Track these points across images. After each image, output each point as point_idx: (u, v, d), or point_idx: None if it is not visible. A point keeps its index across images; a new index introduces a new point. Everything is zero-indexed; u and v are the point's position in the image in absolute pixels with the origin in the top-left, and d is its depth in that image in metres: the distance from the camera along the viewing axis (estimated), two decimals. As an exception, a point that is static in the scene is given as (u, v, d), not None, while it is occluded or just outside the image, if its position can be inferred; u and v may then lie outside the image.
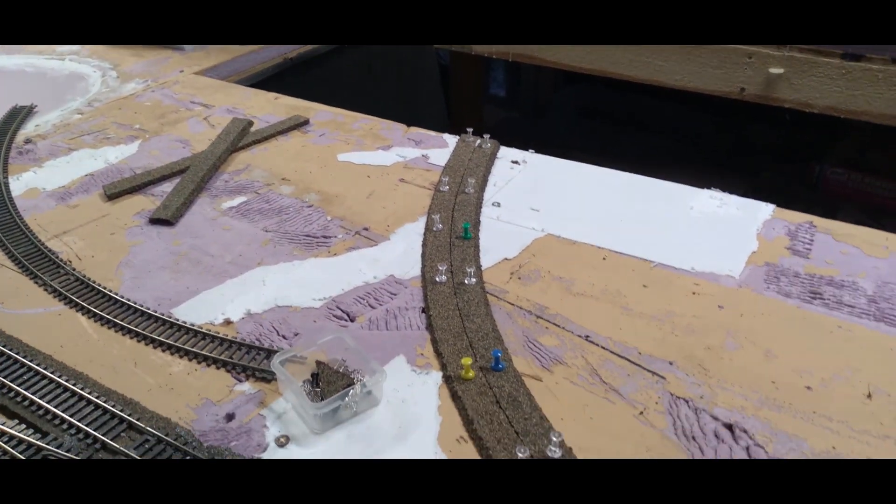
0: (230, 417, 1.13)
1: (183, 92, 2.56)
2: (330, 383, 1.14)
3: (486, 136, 2.00)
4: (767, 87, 2.42)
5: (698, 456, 1.05)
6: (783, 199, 1.71)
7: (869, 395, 1.15)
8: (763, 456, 1.04)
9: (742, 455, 1.05)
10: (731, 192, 1.75)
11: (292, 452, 1.07)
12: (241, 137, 2.10)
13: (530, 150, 1.99)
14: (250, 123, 2.19)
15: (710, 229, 1.61)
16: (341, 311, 1.38)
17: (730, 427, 1.10)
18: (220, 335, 1.30)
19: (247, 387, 1.20)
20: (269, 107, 2.39)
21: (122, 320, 1.35)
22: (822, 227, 1.60)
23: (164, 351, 1.29)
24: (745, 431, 1.09)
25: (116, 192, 1.82)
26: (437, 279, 1.43)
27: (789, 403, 1.14)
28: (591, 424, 1.11)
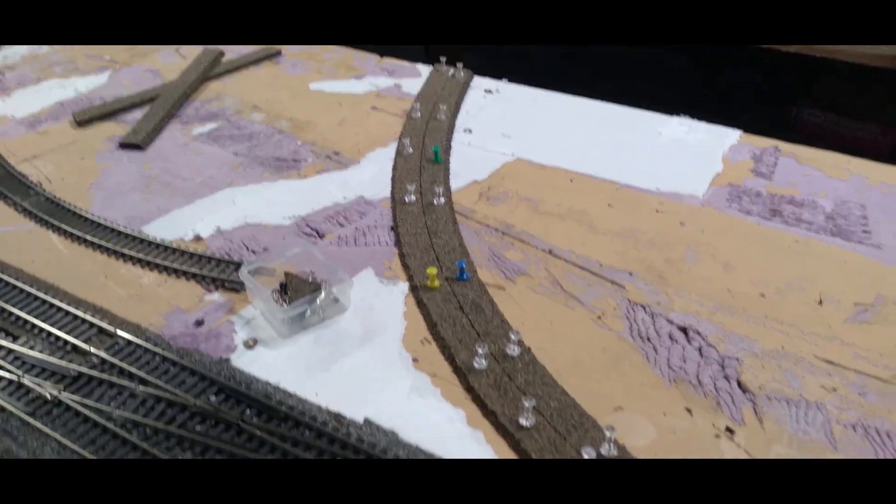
0: (199, 323, 1.16)
1: (154, 25, 2.51)
2: (297, 291, 1.16)
3: (460, 66, 2.00)
4: (744, 23, 2.42)
5: (651, 356, 1.09)
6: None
7: (820, 302, 1.20)
8: (715, 356, 1.09)
9: (694, 355, 1.09)
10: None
11: (260, 354, 1.10)
12: (211, 67, 2.08)
13: (503, 80, 1.99)
14: (221, 54, 2.16)
15: (677, 153, 1.63)
16: (311, 228, 1.40)
17: (684, 329, 1.14)
18: (190, 250, 1.32)
19: (216, 296, 1.22)
20: (242, 39, 2.35)
21: (92, 237, 1.36)
22: (787, 152, 1.63)
23: (134, 265, 1.30)
24: (698, 333, 1.13)
25: (87, 119, 1.81)
26: (407, 199, 1.45)
27: (743, 309, 1.18)
28: (551, 328, 1.14)
